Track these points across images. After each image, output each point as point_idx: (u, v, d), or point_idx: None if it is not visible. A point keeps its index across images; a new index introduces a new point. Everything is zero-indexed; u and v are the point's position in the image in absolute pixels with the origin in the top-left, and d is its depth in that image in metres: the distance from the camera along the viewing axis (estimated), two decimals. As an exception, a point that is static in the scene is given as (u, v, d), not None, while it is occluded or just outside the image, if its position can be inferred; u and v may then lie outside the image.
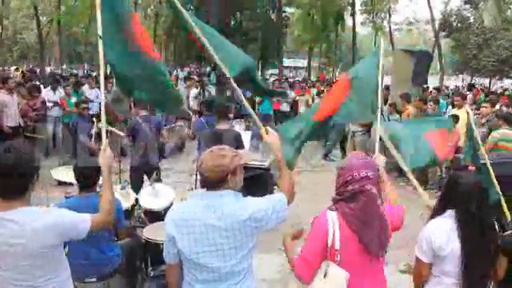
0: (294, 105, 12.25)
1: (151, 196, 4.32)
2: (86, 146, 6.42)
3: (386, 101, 8.20)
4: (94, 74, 15.03)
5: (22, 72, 16.25)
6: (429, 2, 24.03)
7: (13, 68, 21.25)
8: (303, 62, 37.53)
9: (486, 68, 23.00)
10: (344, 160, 2.23)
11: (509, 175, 3.31)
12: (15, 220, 1.86)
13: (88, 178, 2.93)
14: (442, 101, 10.66)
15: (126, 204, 3.97)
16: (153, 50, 2.80)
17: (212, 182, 2.00)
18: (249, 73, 3.03)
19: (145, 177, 5.21)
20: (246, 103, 2.80)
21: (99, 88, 3.83)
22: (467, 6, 24.52)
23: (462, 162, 3.87)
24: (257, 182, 5.25)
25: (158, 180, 5.00)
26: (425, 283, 2.33)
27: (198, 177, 2.45)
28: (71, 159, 6.90)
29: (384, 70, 3.37)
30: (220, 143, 2.39)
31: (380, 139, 3.12)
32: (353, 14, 27.07)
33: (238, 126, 7.79)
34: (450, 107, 9.61)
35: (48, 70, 26.23)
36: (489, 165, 3.07)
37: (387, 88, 9.73)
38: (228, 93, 12.71)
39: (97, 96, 9.19)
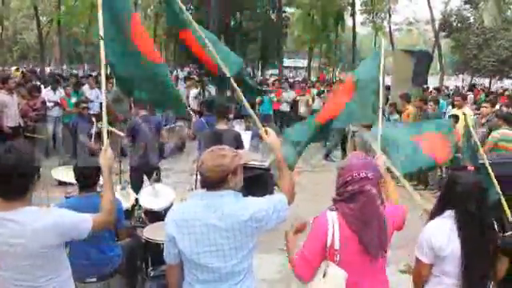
0: (294, 105, 12.23)
1: (151, 196, 4.32)
2: (86, 146, 6.42)
3: (386, 100, 8.20)
4: (94, 74, 15.02)
5: (22, 72, 16.22)
6: (429, 2, 24.07)
7: (13, 68, 21.24)
8: (303, 62, 37.58)
9: (486, 68, 22.97)
10: (344, 160, 2.24)
11: (509, 175, 3.31)
12: (16, 220, 1.86)
13: (88, 178, 2.94)
14: (442, 101, 10.69)
15: (126, 204, 3.97)
16: (153, 51, 2.81)
17: (212, 182, 2.00)
18: (240, 72, 3.05)
19: (145, 177, 5.21)
20: (246, 103, 2.81)
21: (99, 88, 3.83)
22: (467, 6, 24.54)
23: (461, 162, 3.88)
24: (257, 182, 5.26)
25: (158, 180, 5.00)
26: (425, 283, 2.33)
27: (198, 177, 2.45)
28: (71, 159, 6.88)
29: (385, 70, 3.38)
30: (220, 143, 2.39)
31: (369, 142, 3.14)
32: (353, 14, 27.10)
33: (238, 126, 7.80)
34: (449, 107, 9.64)
35: (48, 70, 26.18)
36: (488, 165, 3.08)
37: (388, 88, 9.73)
38: (228, 93, 12.71)
39: (97, 96, 9.19)
